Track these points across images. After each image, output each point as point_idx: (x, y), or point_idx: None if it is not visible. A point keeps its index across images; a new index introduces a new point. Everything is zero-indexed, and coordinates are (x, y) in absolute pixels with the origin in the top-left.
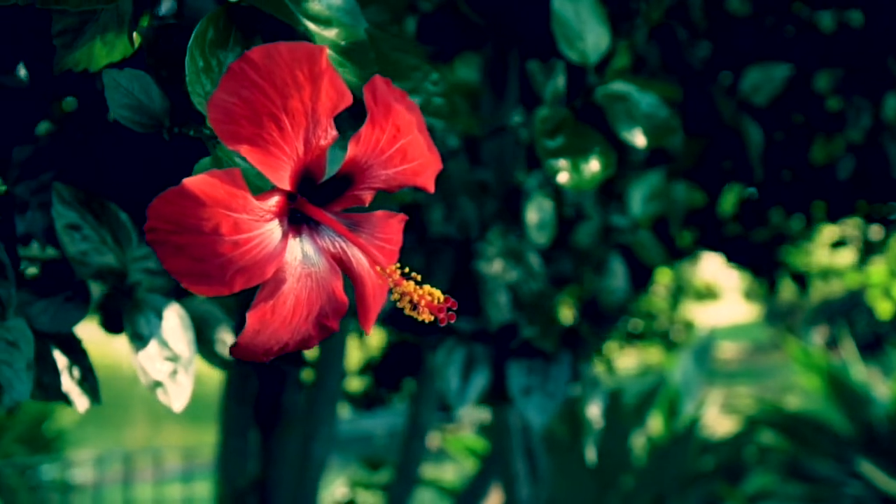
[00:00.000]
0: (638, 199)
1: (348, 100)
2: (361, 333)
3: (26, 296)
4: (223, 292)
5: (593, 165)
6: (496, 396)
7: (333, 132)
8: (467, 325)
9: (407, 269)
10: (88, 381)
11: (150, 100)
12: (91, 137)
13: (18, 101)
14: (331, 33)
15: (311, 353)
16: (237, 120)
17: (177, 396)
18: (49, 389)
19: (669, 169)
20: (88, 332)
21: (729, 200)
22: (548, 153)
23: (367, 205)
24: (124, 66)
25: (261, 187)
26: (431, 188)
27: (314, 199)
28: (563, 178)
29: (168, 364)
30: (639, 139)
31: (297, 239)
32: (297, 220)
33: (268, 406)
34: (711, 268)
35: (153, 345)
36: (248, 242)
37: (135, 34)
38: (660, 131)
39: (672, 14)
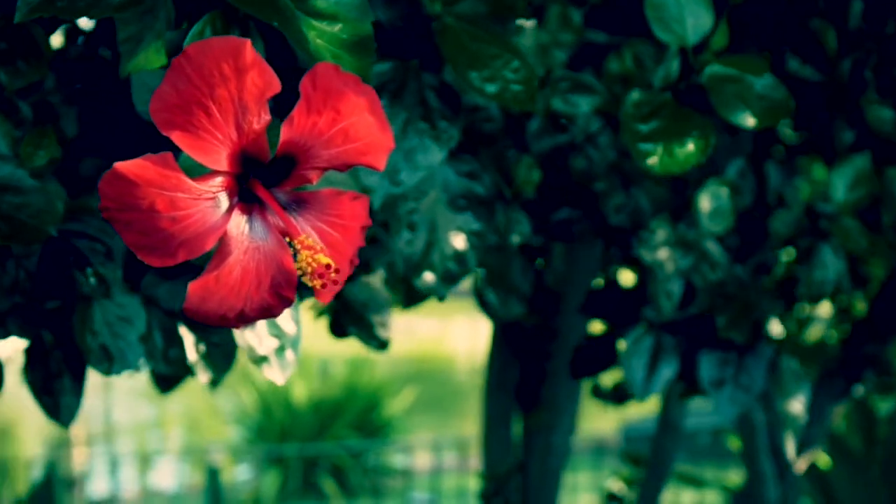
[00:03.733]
0: (841, 185)
1: (276, 87)
2: None
3: (153, 278)
4: (169, 263)
5: (689, 149)
6: (688, 389)
7: (266, 117)
8: (654, 313)
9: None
10: (212, 356)
11: None
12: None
13: None
14: (335, 28)
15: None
16: (170, 109)
17: (281, 371)
18: (175, 363)
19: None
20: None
21: None
22: (639, 137)
23: (314, 183)
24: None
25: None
26: (380, 167)
27: (267, 179)
28: (652, 161)
29: (274, 340)
30: (749, 121)
31: (247, 215)
32: (249, 198)
33: (528, 395)
34: None
35: (261, 324)
36: (186, 218)
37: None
38: (773, 112)
39: None
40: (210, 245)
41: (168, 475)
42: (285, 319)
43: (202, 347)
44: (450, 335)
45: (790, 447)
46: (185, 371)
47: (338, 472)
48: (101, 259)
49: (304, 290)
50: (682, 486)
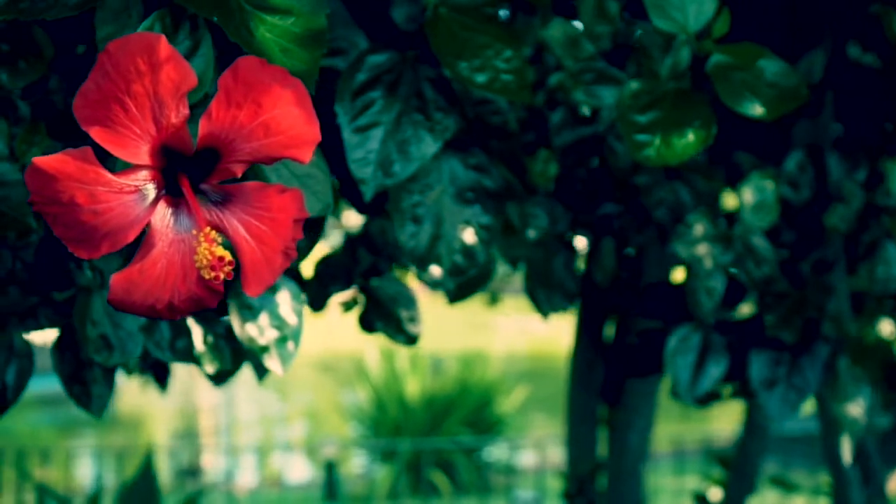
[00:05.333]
0: None
1: (192, 82)
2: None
3: None
4: (95, 255)
5: (688, 139)
6: (738, 389)
7: (185, 111)
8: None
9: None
10: (219, 347)
11: None
12: None
13: None
14: (287, 22)
15: None
16: (91, 105)
17: (282, 361)
18: (181, 352)
19: None
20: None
21: None
22: (636, 128)
23: (238, 176)
24: None
25: None
26: (305, 159)
27: (193, 173)
28: (648, 152)
29: (274, 332)
30: (756, 110)
31: (173, 208)
32: (177, 192)
33: (611, 392)
34: None
35: (263, 315)
36: (108, 212)
37: None
38: (784, 101)
39: None
40: (132, 237)
41: (289, 468)
42: (287, 311)
43: (209, 339)
44: (565, 333)
45: (846, 451)
46: (191, 360)
47: (449, 468)
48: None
49: (330, 285)
50: (774, 489)
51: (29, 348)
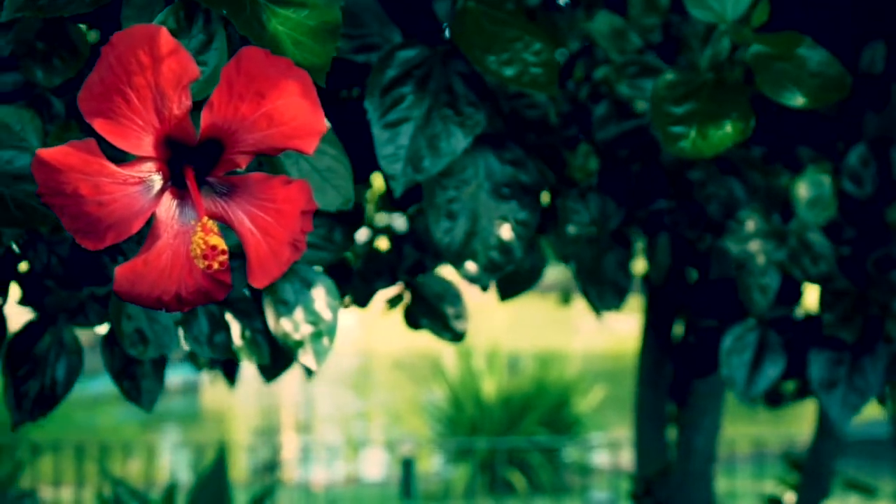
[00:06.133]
0: None
1: (193, 73)
2: None
3: None
4: (100, 246)
5: (726, 131)
6: (800, 389)
7: (187, 102)
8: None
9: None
10: (257, 342)
11: None
12: None
13: None
14: (301, 15)
15: None
16: (95, 97)
17: (316, 357)
18: (219, 347)
19: None
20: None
21: None
22: (671, 120)
23: (242, 168)
24: None
25: None
26: (308, 150)
27: (199, 165)
28: (683, 144)
29: (309, 327)
30: (798, 101)
31: (179, 199)
32: (183, 183)
33: (679, 394)
34: None
35: (298, 311)
36: (112, 203)
37: None
38: (826, 91)
39: None
40: (136, 228)
41: (368, 464)
42: (322, 306)
43: (247, 334)
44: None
45: None
46: (229, 355)
47: (525, 468)
48: (131, 245)
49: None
50: (856, 495)
51: (78, 344)
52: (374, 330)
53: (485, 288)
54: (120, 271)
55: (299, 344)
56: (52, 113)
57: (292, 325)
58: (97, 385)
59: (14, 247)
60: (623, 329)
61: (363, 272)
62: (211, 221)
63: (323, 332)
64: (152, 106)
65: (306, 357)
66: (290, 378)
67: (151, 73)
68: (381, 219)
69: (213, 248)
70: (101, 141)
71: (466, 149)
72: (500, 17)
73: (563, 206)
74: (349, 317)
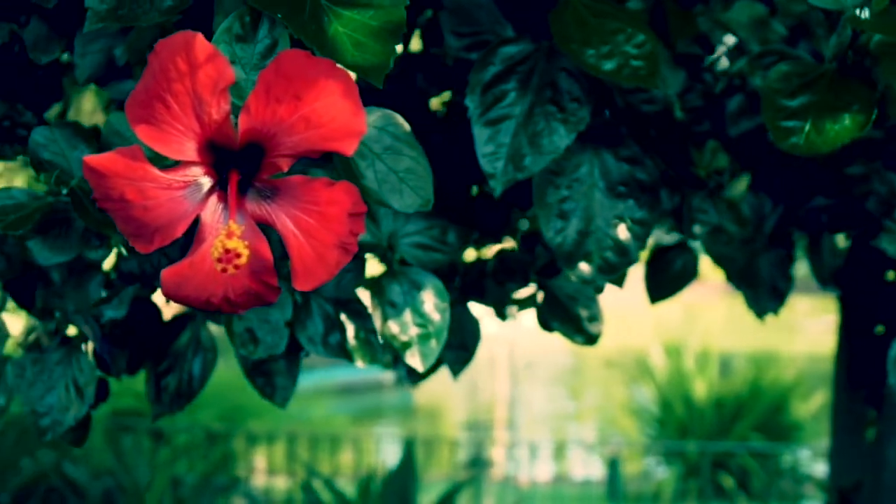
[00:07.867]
0: None
1: (229, 78)
2: None
3: None
4: (149, 249)
5: (844, 124)
6: None
7: (226, 106)
8: None
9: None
10: (370, 343)
11: None
12: None
13: None
14: (366, 16)
15: None
16: (139, 104)
17: (423, 358)
18: (334, 347)
19: None
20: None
21: None
22: (784, 114)
23: (285, 170)
24: None
25: None
26: (348, 152)
27: (244, 169)
28: (796, 140)
29: (417, 329)
30: None
31: (223, 203)
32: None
33: (875, 400)
34: None
35: (407, 313)
36: (157, 207)
37: None
38: None
39: None
40: (180, 232)
41: (575, 464)
42: (431, 308)
43: (361, 334)
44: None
45: None
46: (344, 355)
47: (742, 474)
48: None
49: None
50: None
51: (213, 342)
52: None
53: (599, 290)
54: (166, 274)
55: (407, 345)
56: None
57: (399, 327)
58: (313, 378)
59: (122, 250)
60: None
61: (495, 272)
62: (235, 225)
63: (431, 334)
64: (192, 111)
65: (413, 358)
66: (502, 376)
67: (189, 79)
68: None
69: (228, 251)
70: None
71: (578, 146)
72: (604, 9)
73: (689, 205)
74: None
